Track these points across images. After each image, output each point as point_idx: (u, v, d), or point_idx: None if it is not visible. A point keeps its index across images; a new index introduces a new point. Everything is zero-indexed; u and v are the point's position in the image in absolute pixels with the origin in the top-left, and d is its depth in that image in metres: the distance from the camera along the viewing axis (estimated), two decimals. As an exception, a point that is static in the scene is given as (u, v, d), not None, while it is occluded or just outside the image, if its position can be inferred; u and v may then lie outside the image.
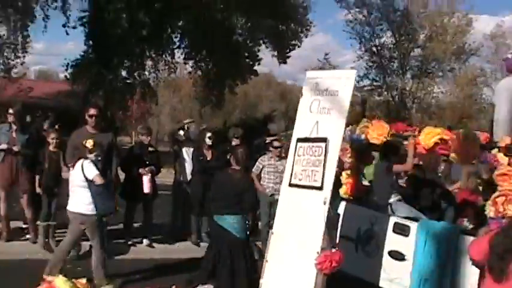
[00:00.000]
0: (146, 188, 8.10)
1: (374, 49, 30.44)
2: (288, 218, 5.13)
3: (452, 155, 5.58)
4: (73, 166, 6.10)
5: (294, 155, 5.15)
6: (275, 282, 5.04)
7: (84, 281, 5.03)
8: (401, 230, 5.65)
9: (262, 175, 8.92)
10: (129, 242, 8.28)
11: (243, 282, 5.90)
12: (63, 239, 6.46)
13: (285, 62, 26.72)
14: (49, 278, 4.96)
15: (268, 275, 5.12)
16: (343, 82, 4.96)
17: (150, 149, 8.65)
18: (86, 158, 6.01)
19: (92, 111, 6.94)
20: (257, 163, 8.95)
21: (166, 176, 10.23)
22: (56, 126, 9.34)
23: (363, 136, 6.40)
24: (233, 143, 8.92)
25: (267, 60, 27.21)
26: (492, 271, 3.65)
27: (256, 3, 22.15)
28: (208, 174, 7.83)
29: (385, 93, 30.68)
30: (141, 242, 8.34)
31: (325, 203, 4.70)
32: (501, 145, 5.18)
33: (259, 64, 25.86)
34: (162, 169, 8.85)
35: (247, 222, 6.78)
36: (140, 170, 8.13)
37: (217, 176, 6.59)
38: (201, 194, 8.35)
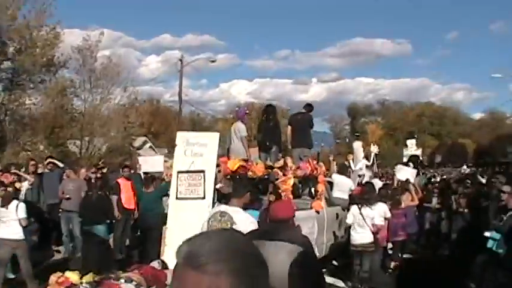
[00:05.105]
0: None
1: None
2: (178, 218, 7.59)
3: (250, 173, 8.59)
4: None
5: (177, 180, 7.86)
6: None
7: None
8: None
9: None
10: None
11: None
12: None
13: None
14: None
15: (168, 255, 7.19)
16: (210, 139, 8.07)
17: None
18: None
19: None
20: None
21: None
22: None
23: None
24: None
25: None
26: None
27: None
28: None
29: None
30: None
31: (208, 207, 7.15)
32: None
33: None
34: None
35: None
36: None
37: None
38: None
